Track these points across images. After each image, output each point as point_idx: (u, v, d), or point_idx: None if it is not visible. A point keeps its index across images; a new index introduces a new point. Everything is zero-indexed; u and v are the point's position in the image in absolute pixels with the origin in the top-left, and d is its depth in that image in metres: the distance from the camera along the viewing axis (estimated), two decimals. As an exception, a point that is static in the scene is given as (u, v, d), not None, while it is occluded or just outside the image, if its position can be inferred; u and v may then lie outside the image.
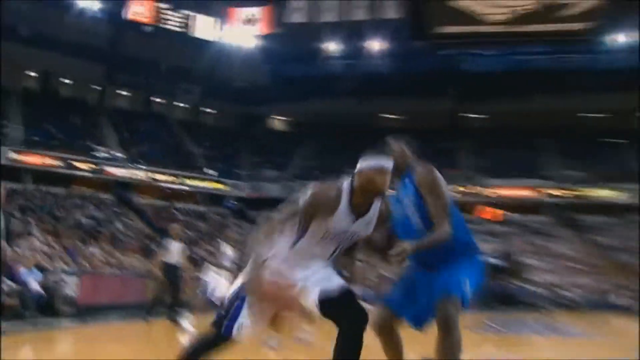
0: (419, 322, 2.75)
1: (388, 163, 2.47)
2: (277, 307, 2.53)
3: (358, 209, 2.44)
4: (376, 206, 2.53)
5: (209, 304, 8.27)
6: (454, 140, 29.46)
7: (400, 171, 2.72)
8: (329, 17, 28.08)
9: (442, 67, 28.80)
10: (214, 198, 27.62)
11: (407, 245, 2.42)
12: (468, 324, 9.05)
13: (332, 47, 29.06)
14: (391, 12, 28.43)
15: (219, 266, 8.23)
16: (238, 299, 2.45)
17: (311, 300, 2.32)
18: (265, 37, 28.79)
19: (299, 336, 4.78)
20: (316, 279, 2.38)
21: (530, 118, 28.37)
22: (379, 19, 27.56)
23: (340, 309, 2.28)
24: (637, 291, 22.34)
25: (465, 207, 26.32)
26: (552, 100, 27.82)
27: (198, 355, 2.46)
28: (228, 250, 8.36)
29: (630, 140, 27.84)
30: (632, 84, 27.12)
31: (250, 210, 27.07)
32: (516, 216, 27.05)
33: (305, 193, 2.46)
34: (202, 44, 28.24)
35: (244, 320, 2.41)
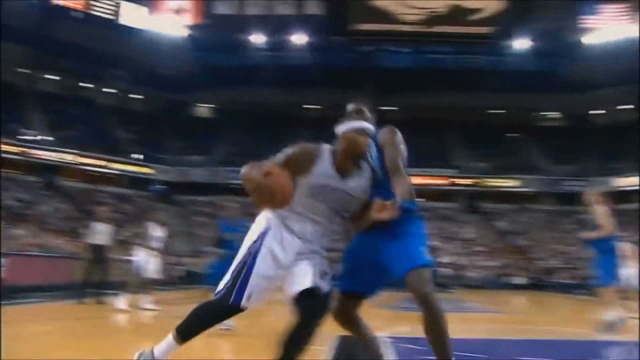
0: (369, 293, 2.82)
1: (367, 125, 2.65)
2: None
3: (342, 170, 2.58)
4: (366, 170, 2.67)
5: (142, 283, 8.68)
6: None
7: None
8: (254, 10, 31.00)
9: (360, 62, 32.45)
10: (140, 181, 30.06)
11: (388, 202, 2.46)
12: (384, 301, 10.79)
13: (258, 39, 32.04)
14: (313, 8, 32.09)
15: (147, 247, 8.57)
16: (245, 268, 2.54)
17: (291, 292, 2.52)
18: (193, 27, 31.36)
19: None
20: (299, 270, 2.54)
21: (440, 112, 32.74)
22: (302, 15, 30.77)
23: (307, 306, 2.47)
24: (531, 271, 27.75)
25: None
26: (459, 97, 31.97)
27: (205, 326, 2.58)
28: (156, 231, 8.73)
29: (527, 135, 32.69)
30: (529, 85, 32.39)
31: (176, 194, 30.32)
32: (425, 202, 31.49)
33: (284, 151, 2.59)
34: (131, 32, 30.44)
35: (253, 288, 2.51)
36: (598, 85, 30.94)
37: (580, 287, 18.91)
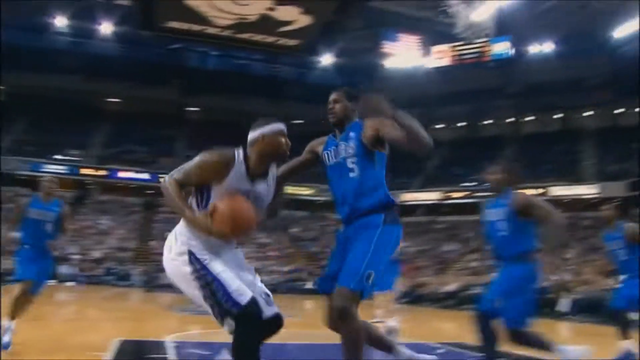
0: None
1: (283, 125, 3.17)
2: None
3: (254, 174, 3.07)
4: (273, 170, 3.20)
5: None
6: (174, 128, 39.35)
7: (344, 123, 3.51)
8: (60, -9, 33.94)
9: (167, 58, 38.17)
10: None
11: None
12: (172, 303, 13.42)
13: (61, 22, 35.67)
14: (125, -1, 37.93)
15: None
16: (214, 282, 2.83)
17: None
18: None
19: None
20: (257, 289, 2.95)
21: (243, 117, 39.30)
22: (111, 3, 34.56)
23: (243, 322, 2.77)
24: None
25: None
26: (263, 104, 38.63)
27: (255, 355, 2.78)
28: None
29: None
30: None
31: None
32: None
33: (193, 160, 3.11)
34: None
35: (235, 286, 2.79)
36: (393, 105, 40.09)
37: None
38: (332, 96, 3.68)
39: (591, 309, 13.38)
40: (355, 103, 3.55)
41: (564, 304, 20.21)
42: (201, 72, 39.30)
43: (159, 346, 5.97)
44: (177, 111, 40.34)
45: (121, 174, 36.49)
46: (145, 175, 36.57)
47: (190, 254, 3.00)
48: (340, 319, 3.12)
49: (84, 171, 35.85)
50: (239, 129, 30.74)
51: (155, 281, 26.81)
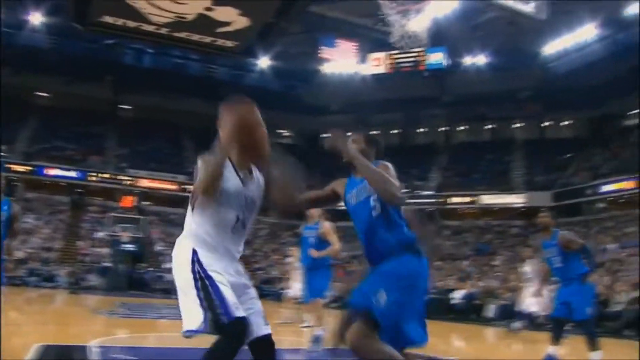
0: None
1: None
2: None
3: (242, 169, 3.09)
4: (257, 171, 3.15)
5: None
6: (105, 126, 38.61)
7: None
8: (-13, -19, 32.63)
9: (102, 54, 37.32)
10: None
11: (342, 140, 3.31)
12: (99, 306, 13.10)
13: None
14: (58, -11, 37.17)
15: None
16: (209, 287, 2.80)
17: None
18: None
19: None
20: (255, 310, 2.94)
21: (177, 116, 39.32)
22: None
23: (229, 334, 2.74)
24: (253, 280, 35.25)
25: (108, 193, 35.67)
26: (198, 104, 38.09)
27: None
28: None
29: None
30: (268, 102, 40.98)
31: None
32: (154, 207, 37.10)
33: (199, 166, 3.03)
34: None
35: (230, 297, 2.78)
36: (329, 110, 40.86)
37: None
38: (351, 137, 3.65)
39: (517, 315, 13.87)
40: (371, 146, 3.61)
41: (490, 309, 20.80)
42: (136, 69, 38.57)
43: (82, 351, 5.77)
44: (110, 108, 39.52)
45: (48, 171, 35.16)
46: (74, 173, 35.45)
47: (195, 261, 2.97)
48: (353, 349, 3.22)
49: (8, 167, 34.47)
50: (173, 128, 30.68)
51: (81, 283, 26.09)
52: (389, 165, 3.35)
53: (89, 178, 35.66)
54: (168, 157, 38.60)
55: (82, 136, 37.37)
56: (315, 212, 7.37)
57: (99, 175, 35.98)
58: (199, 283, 2.86)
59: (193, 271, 2.90)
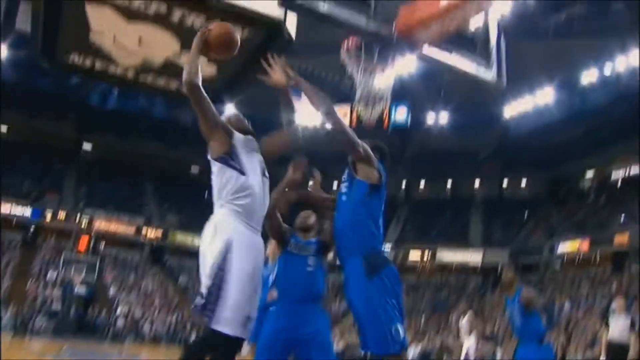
0: None
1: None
2: None
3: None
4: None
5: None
6: (65, 164, 38.05)
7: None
8: (-48, 10, 36.00)
9: (67, 91, 37.10)
10: None
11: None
12: (45, 350, 13.77)
13: None
14: (25, 24, 37.56)
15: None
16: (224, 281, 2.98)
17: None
18: None
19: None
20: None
21: (138, 158, 38.92)
22: (10, 26, 36.31)
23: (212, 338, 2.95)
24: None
25: (63, 233, 34.55)
26: (161, 148, 38.65)
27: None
28: None
29: None
30: None
31: None
32: (110, 249, 36.31)
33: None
34: None
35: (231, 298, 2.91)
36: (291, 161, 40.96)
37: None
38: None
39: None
40: (376, 153, 3.97)
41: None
42: (100, 109, 38.42)
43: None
44: (71, 146, 38.89)
45: (1, 207, 34.16)
46: (27, 211, 34.32)
47: (228, 248, 3.16)
48: None
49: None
50: (134, 170, 30.28)
51: (28, 325, 25.20)
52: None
53: (44, 216, 34.63)
54: (127, 199, 38.04)
55: (41, 173, 36.56)
56: (272, 253, 7.40)
57: (55, 214, 34.91)
58: (216, 274, 3.24)
59: (222, 256, 3.29)
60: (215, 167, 3.56)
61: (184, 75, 3.34)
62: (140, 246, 37.96)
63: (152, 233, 37.94)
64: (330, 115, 3.66)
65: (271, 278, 7.55)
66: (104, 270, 33.35)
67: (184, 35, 8.57)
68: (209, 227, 3.34)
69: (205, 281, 3.10)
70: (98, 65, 11.57)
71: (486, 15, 3.78)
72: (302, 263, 4.16)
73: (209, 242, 3.24)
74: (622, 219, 32.19)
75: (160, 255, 38.27)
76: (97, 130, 38.27)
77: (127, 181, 38.40)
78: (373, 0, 3.85)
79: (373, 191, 3.76)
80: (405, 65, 27.40)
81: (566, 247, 34.18)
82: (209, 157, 3.58)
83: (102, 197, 37.44)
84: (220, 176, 3.52)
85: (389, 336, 3.24)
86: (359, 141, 3.72)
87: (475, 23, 3.65)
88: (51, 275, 31.04)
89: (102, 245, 35.13)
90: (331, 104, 3.58)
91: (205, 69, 13.49)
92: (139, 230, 37.43)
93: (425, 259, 38.36)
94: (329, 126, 3.66)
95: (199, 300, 3.04)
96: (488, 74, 4.34)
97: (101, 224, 36.33)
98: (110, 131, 38.82)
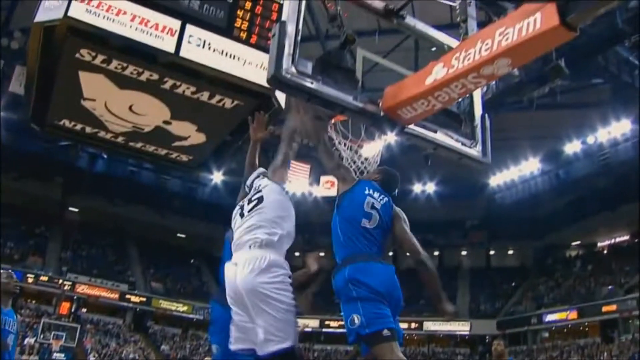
0: None
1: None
2: None
3: None
4: None
5: None
6: (50, 227, 37.89)
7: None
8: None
9: (55, 154, 36.51)
10: None
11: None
12: None
13: None
14: (16, 87, 38.09)
15: None
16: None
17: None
18: None
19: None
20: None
21: (127, 225, 38.89)
22: (4, 89, 36.43)
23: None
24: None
25: (44, 297, 34.12)
26: (146, 213, 38.45)
27: None
28: None
29: (206, 262, 39.98)
30: (216, 216, 41.12)
31: None
32: (92, 315, 35.67)
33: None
34: None
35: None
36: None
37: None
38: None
39: None
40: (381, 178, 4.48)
41: None
42: (88, 173, 37.87)
43: None
44: (56, 209, 38.64)
45: (-20, 270, 33.55)
46: (10, 274, 33.73)
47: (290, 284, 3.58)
48: None
49: None
50: (119, 235, 29.96)
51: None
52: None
53: (26, 279, 34.10)
54: (111, 264, 37.78)
55: (25, 235, 36.24)
56: None
57: (37, 277, 34.25)
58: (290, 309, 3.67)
59: (289, 291, 3.77)
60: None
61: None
62: (123, 312, 37.22)
63: (135, 299, 37.25)
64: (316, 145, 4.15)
65: None
66: (85, 336, 32.37)
67: (175, 103, 8.72)
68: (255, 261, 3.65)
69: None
70: (88, 129, 11.62)
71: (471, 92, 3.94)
72: None
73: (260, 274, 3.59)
74: (609, 289, 32.21)
75: (144, 321, 37.44)
76: (83, 193, 38.05)
77: (112, 246, 38.11)
78: (360, 80, 3.97)
79: None
80: (392, 136, 27.77)
81: (554, 317, 34.12)
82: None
83: (86, 262, 37.20)
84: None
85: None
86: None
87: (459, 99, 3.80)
88: (28, 341, 30.19)
89: (83, 310, 34.63)
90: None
91: (194, 136, 13.66)
92: (122, 296, 36.87)
93: (412, 329, 37.90)
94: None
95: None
96: (473, 151, 4.43)
97: (84, 289, 35.77)
98: (97, 195, 38.57)
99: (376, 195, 4.33)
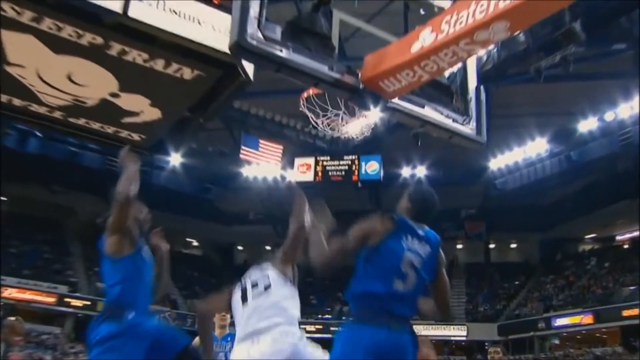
0: None
1: None
2: None
3: None
4: None
5: None
6: None
7: None
8: None
9: None
10: None
11: None
12: None
13: None
14: None
15: None
16: None
17: None
18: None
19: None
20: None
21: (66, 215, 38.49)
22: None
23: None
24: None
25: None
26: (92, 202, 38.81)
27: None
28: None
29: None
30: (176, 205, 40.92)
31: None
32: (25, 324, 37.10)
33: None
34: None
35: None
36: (246, 220, 41.11)
37: None
38: None
39: None
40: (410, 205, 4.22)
41: None
42: (18, 155, 36.75)
43: None
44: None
45: None
46: None
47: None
48: None
49: None
50: (57, 228, 29.62)
51: None
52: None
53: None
54: (47, 262, 37.29)
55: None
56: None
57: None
58: None
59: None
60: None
61: None
62: (62, 319, 36.87)
63: (77, 303, 36.91)
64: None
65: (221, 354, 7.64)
66: (11, 350, 31.94)
67: (123, 73, 8.56)
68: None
69: None
70: (16, 102, 11.25)
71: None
72: None
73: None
74: (630, 290, 32.17)
75: (87, 329, 36.96)
76: (13, 180, 37.25)
77: (48, 241, 37.65)
78: (336, 47, 3.95)
79: None
80: (376, 114, 27.88)
81: (565, 321, 34.22)
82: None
83: (16, 260, 36.58)
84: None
85: None
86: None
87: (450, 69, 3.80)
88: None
89: (10, 319, 33.88)
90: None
91: (148, 112, 13.54)
92: (61, 300, 36.50)
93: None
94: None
95: None
96: (466, 129, 4.46)
97: (11, 293, 35.12)
98: (31, 181, 38.02)
99: (417, 245, 4.02)
